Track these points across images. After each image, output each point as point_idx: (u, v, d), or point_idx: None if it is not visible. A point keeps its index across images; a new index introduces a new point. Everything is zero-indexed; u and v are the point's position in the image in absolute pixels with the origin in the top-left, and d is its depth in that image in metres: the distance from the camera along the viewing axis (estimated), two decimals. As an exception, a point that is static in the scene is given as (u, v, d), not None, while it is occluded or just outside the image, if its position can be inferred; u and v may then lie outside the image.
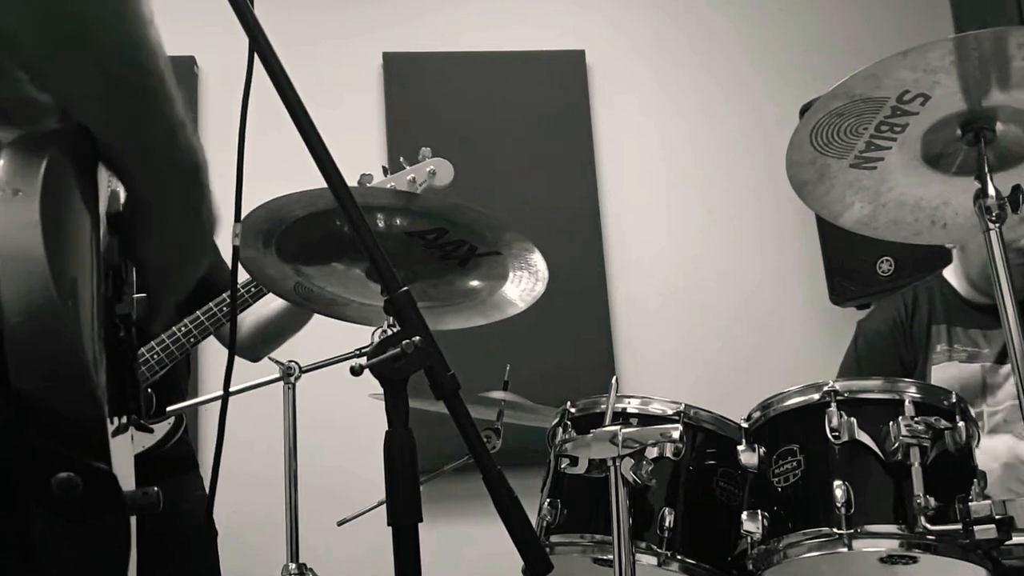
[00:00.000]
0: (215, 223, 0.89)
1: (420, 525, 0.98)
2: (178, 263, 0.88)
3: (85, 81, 0.70)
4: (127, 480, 0.85)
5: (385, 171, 2.11)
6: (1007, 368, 2.26)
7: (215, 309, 2.11)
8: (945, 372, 2.29)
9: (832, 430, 1.62)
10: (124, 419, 0.83)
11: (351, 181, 2.02)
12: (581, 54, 3.79)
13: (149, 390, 0.90)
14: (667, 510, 1.74)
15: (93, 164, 0.74)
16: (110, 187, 0.82)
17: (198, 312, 2.11)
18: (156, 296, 0.87)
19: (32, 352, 0.58)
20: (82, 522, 0.59)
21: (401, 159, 2.11)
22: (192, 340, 2.10)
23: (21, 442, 0.57)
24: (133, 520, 0.84)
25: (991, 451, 2.05)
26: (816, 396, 1.68)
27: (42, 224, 0.61)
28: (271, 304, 2.26)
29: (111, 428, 0.75)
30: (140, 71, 0.72)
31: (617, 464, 1.65)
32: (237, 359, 2.29)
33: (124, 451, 0.82)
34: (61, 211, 0.65)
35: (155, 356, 2.06)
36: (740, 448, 1.74)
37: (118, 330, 0.75)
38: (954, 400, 1.66)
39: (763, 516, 1.65)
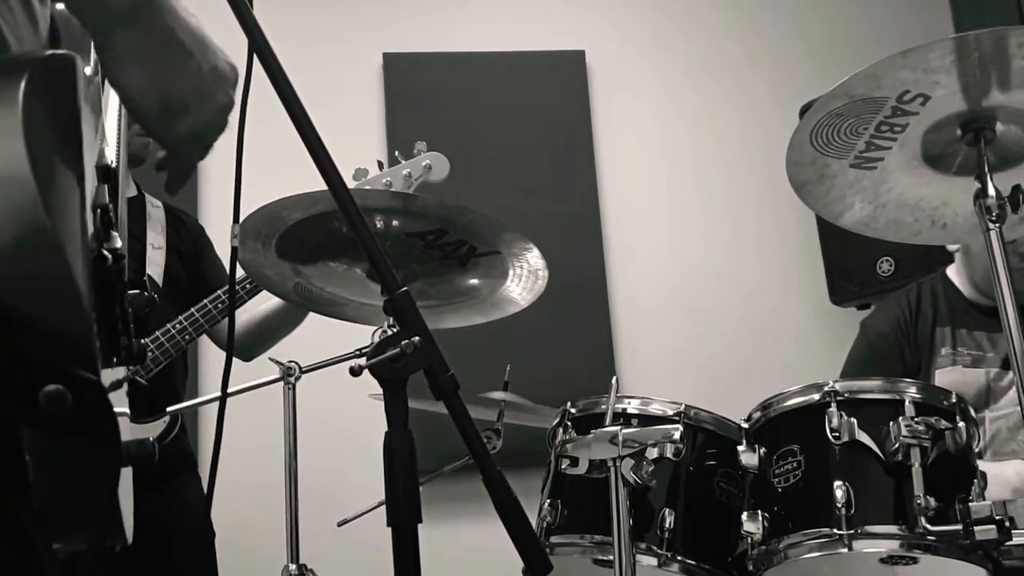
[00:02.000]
0: (216, 62, 0.92)
1: (420, 526, 0.98)
2: (174, 96, 0.91)
3: None
4: (124, 434, 0.85)
5: (380, 166, 2.11)
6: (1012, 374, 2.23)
7: (209, 306, 2.12)
8: (949, 376, 2.27)
9: (832, 430, 1.62)
10: (117, 373, 0.82)
11: (351, 182, 2.03)
12: (581, 54, 3.79)
13: (144, 340, 0.89)
14: (667, 511, 1.74)
15: (73, 93, 0.73)
16: (98, 143, 0.82)
17: (192, 309, 2.11)
18: (171, 148, 0.93)
19: (19, 265, 0.57)
20: (72, 437, 0.58)
21: (396, 153, 2.12)
22: (187, 337, 2.10)
23: (7, 358, 0.56)
24: (130, 473, 0.84)
25: (1002, 479, 2.02)
26: (816, 396, 1.68)
27: (25, 138, 0.60)
28: (263, 304, 2.26)
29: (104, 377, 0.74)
30: None
31: (617, 465, 1.65)
32: (242, 361, 2.30)
33: (119, 404, 0.82)
34: (43, 128, 0.64)
35: (149, 353, 2.06)
36: (740, 448, 1.74)
37: (106, 260, 0.74)
38: (954, 400, 1.66)
39: (763, 516, 1.65)
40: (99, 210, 0.75)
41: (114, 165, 0.84)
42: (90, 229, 0.71)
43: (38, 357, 0.56)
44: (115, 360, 0.77)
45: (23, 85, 0.63)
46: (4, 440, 0.57)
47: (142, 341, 2.03)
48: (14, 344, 0.56)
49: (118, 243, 0.77)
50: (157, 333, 2.08)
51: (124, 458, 0.62)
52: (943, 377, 2.28)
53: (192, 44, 0.89)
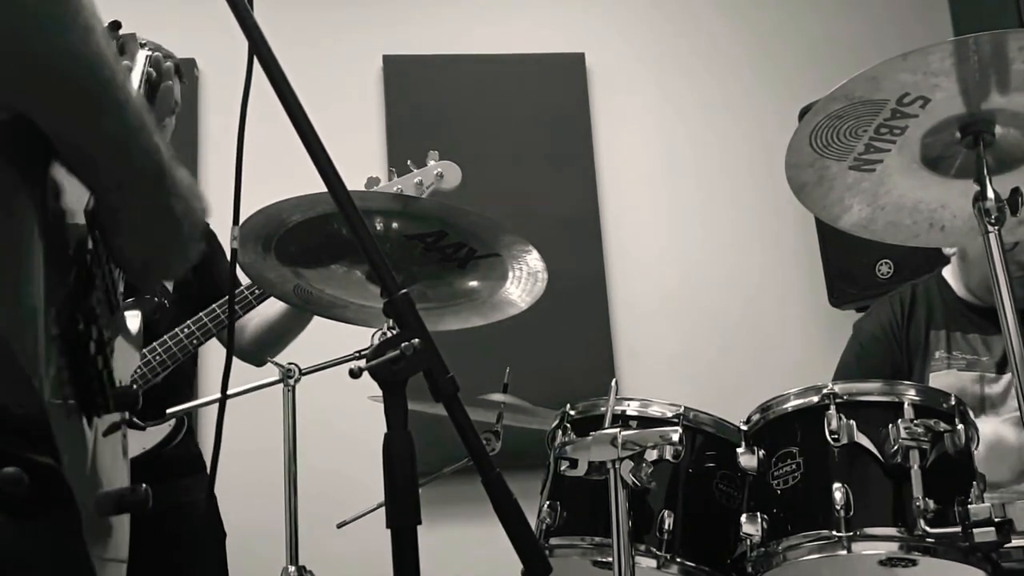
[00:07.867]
0: (198, 214, 0.90)
1: (419, 527, 0.98)
2: (157, 259, 0.90)
3: (25, 84, 0.69)
4: (120, 479, 0.85)
5: (392, 174, 2.11)
6: (1007, 378, 2.22)
7: (218, 311, 2.11)
8: (943, 381, 2.25)
9: (831, 432, 1.62)
10: (113, 417, 0.82)
11: (352, 184, 2.03)
12: (581, 57, 3.79)
13: (135, 386, 0.89)
14: (666, 512, 1.74)
15: (38, 156, 0.73)
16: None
17: (201, 313, 2.11)
18: (142, 288, 0.89)
19: None
20: (31, 519, 0.57)
21: (408, 162, 2.11)
22: (195, 342, 2.10)
23: None
24: (127, 518, 0.84)
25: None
26: (815, 399, 1.68)
27: None
28: (274, 307, 2.26)
29: (100, 427, 0.74)
30: (85, 75, 0.71)
31: (617, 466, 1.65)
32: (242, 363, 2.30)
33: (113, 450, 0.82)
34: (6, 193, 0.64)
35: (157, 357, 2.06)
36: (739, 450, 1.74)
37: (76, 323, 0.74)
38: (953, 403, 1.66)
39: (762, 518, 1.65)
40: (77, 267, 0.75)
41: None
42: (69, 287, 0.71)
43: None
44: (100, 413, 0.77)
45: None
46: None
47: (151, 345, 2.04)
48: None
49: (93, 302, 0.77)
50: (165, 337, 2.08)
51: (85, 538, 0.62)
52: (937, 380, 2.27)
53: (183, 211, 0.88)
